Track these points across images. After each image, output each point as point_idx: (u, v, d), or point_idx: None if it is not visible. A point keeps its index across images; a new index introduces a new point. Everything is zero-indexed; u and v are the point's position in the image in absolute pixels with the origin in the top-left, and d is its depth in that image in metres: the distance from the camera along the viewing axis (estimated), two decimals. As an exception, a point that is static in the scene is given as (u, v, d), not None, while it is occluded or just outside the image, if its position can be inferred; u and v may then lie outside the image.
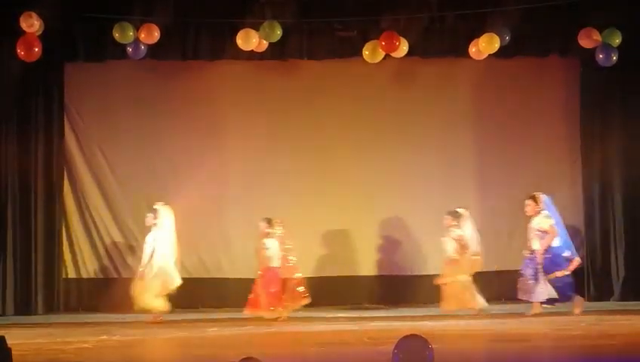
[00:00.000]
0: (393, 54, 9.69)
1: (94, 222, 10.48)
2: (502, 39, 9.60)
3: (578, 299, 9.24)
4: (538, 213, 9.25)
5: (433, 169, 10.76)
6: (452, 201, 10.61)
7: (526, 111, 10.85)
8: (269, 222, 9.36)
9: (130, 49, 9.47)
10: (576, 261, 9.31)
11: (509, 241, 10.64)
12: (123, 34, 9.31)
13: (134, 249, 10.38)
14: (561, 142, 10.88)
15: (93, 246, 10.49)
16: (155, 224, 9.28)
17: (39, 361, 6.70)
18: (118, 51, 9.65)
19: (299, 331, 8.39)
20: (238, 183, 10.60)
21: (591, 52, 9.74)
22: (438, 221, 10.54)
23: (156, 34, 9.36)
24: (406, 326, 8.17)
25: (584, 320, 8.52)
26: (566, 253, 9.26)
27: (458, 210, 9.50)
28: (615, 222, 10.59)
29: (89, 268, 10.48)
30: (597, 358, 6.29)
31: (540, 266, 9.07)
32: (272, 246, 9.30)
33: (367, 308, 10.17)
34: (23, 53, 9.03)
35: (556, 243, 9.19)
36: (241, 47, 9.48)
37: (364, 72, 10.46)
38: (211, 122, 10.60)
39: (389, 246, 10.64)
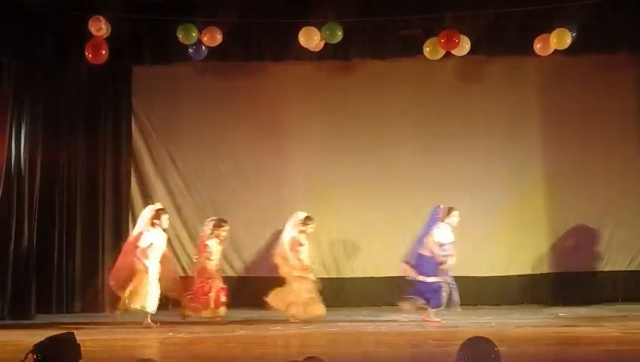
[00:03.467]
0: (454, 52, 9.54)
1: (161, 222, 10.65)
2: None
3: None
4: None
5: (499, 170, 10.54)
6: (518, 204, 10.44)
7: (596, 111, 10.54)
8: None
9: (191, 50, 9.58)
10: None
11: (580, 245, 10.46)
12: (186, 35, 9.40)
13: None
14: (635, 141, 10.54)
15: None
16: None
17: (107, 356, 6.85)
18: (183, 54, 9.75)
19: (362, 332, 8.34)
20: (300, 183, 10.60)
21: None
22: (503, 223, 10.40)
23: (219, 37, 9.43)
24: (471, 328, 8.06)
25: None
26: None
27: None
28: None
29: (155, 267, 10.64)
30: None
31: None
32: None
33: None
34: (90, 55, 9.18)
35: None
36: (304, 45, 9.46)
37: (428, 71, 10.35)
38: (274, 123, 10.64)
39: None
